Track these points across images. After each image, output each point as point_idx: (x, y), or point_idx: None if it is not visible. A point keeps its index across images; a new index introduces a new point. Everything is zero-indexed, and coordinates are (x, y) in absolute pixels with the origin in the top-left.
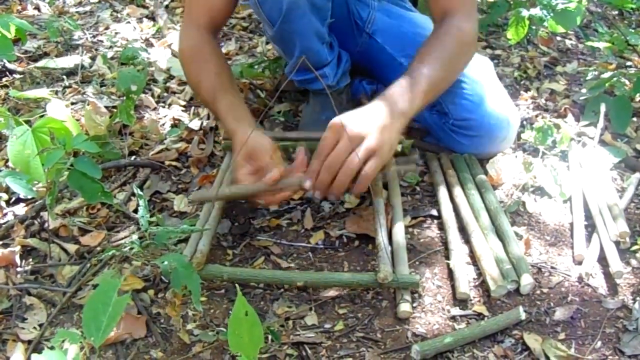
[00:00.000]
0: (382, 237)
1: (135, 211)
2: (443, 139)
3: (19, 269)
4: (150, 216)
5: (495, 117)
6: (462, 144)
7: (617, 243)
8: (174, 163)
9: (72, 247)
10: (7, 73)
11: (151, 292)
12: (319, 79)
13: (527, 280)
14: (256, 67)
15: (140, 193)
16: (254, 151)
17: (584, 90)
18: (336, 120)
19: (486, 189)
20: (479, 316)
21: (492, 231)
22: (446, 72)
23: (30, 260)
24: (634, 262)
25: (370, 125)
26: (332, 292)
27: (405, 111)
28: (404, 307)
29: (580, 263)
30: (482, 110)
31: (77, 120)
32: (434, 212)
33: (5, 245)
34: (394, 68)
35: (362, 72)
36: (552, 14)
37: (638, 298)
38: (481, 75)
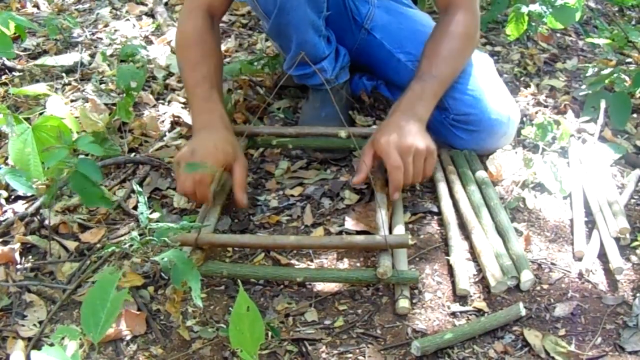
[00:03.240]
0: (383, 231)
1: (135, 208)
2: (443, 134)
3: (18, 266)
4: (150, 213)
5: (496, 112)
6: (462, 139)
7: (617, 239)
8: (173, 160)
9: (71, 244)
10: (7, 71)
11: (151, 288)
12: (318, 73)
13: (527, 277)
14: (255, 64)
15: (140, 190)
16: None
17: (583, 87)
18: (383, 141)
19: (486, 185)
20: (479, 312)
21: (493, 227)
22: (453, 70)
23: (30, 257)
24: (634, 258)
25: (410, 137)
26: (332, 288)
27: (422, 116)
28: (403, 303)
29: (580, 259)
30: (482, 105)
31: (76, 117)
32: (434, 209)
33: (5, 243)
34: (392, 64)
35: (361, 69)
36: (551, 10)
37: (638, 294)
38: (481, 71)
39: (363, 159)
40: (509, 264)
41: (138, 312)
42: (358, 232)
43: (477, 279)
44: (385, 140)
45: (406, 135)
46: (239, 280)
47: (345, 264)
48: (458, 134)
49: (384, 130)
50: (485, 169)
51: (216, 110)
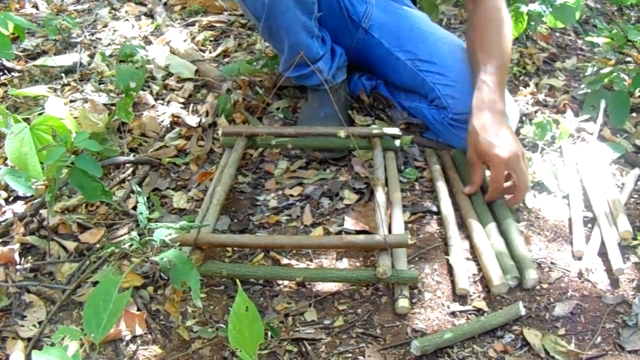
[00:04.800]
0: (382, 231)
1: (134, 208)
2: (442, 133)
3: (18, 267)
4: (150, 212)
5: None
6: (461, 138)
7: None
8: (172, 160)
9: (71, 245)
10: (6, 71)
11: (150, 288)
12: (316, 73)
13: (531, 275)
14: (255, 63)
15: (139, 190)
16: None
17: (583, 86)
18: (496, 156)
19: (486, 185)
20: (479, 312)
21: (494, 227)
22: (507, 53)
23: (30, 257)
24: (633, 257)
25: (514, 142)
26: (331, 288)
27: (503, 110)
28: (402, 303)
29: (579, 259)
30: None
31: (75, 118)
32: (434, 208)
33: (5, 243)
34: (390, 63)
35: (360, 68)
36: (550, 10)
37: (638, 293)
38: None
39: (474, 172)
40: (511, 264)
41: (138, 312)
42: (357, 232)
43: (476, 278)
44: (499, 153)
45: (509, 140)
46: (237, 280)
47: (344, 263)
48: (457, 133)
49: (485, 137)
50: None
51: None
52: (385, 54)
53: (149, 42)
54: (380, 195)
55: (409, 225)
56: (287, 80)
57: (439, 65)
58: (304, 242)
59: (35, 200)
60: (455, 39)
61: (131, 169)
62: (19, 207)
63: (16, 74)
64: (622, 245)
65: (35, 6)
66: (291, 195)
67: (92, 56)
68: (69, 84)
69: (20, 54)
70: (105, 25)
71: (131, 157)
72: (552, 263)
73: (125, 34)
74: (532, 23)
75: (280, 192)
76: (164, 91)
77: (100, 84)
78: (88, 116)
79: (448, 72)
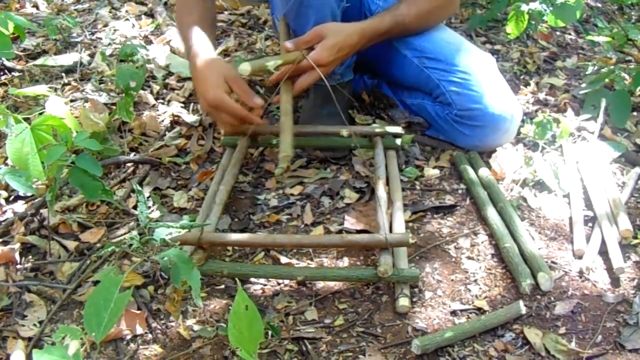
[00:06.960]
0: (383, 230)
1: (135, 208)
2: (445, 130)
3: (18, 266)
4: (150, 212)
5: (499, 108)
6: (465, 135)
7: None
8: (173, 159)
9: (71, 244)
10: (6, 71)
11: (151, 288)
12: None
13: (544, 278)
14: None
15: (140, 189)
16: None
17: (583, 85)
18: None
19: (492, 186)
20: (479, 311)
21: (503, 227)
22: (420, 26)
23: (30, 257)
24: (634, 256)
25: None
26: (332, 287)
27: (354, 44)
28: (403, 301)
29: (580, 257)
30: (486, 100)
31: (76, 117)
32: (437, 204)
33: (5, 243)
34: (397, 61)
35: (364, 67)
36: (551, 9)
37: (639, 292)
38: (485, 69)
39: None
40: (527, 271)
41: (138, 312)
42: (358, 231)
43: (476, 277)
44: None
45: (344, 37)
46: (237, 280)
47: (345, 262)
48: (461, 129)
49: (338, 31)
50: (489, 168)
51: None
52: (394, 52)
53: (150, 42)
54: (381, 194)
55: (410, 224)
56: None
57: (445, 62)
58: (305, 241)
59: (36, 200)
60: (460, 37)
61: (132, 169)
62: (20, 206)
63: (16, 74)
64: (623, 244)
65: (36, 6)
66: (292, 195)
67: (92, 56)
68: (69, 84)
69: (21, 53)
70: (106, 25)
71: (132, 157)
72: (552, 262)
73: (126, 34)
74: (533, 22)
75: (280, 191)
76: (165, 90)
77: (100, 83)
78: (88, 116)
79: (454, 69)
